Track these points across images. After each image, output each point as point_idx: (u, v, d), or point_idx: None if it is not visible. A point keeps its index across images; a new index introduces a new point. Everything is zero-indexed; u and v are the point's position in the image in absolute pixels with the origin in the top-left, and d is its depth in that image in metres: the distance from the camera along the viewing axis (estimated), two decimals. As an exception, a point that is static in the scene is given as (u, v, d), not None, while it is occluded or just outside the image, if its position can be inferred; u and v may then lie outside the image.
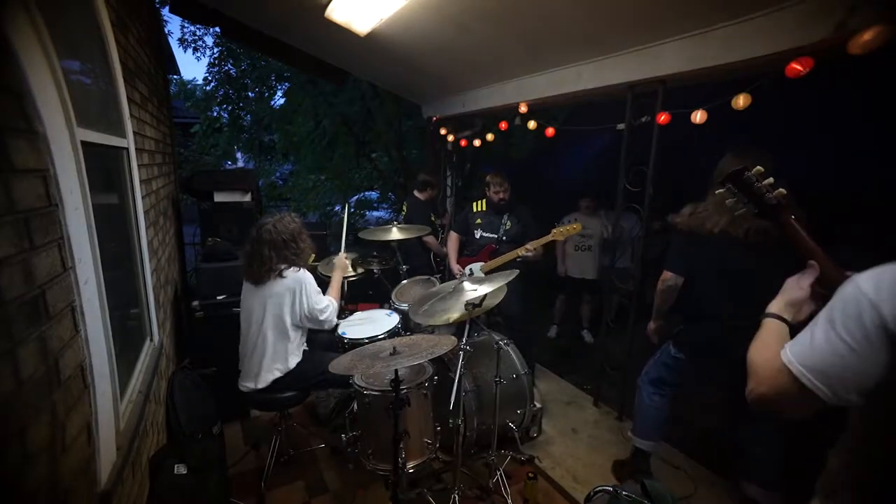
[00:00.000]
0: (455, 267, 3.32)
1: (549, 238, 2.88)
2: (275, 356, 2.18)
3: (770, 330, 0.95)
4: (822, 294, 0.94)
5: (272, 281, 2.14)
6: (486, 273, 3.10)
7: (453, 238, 3.42)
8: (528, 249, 2.89)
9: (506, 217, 3.15)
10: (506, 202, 3.12)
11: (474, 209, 3.30)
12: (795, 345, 0.79)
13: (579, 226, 2.85)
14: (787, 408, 0.80)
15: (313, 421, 2.90)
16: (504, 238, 3.13)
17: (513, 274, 2.05)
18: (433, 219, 4.06)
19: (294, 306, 2.16)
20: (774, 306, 0.99)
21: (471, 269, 3.21)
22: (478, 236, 3.24)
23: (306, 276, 2.18)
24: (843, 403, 0.73)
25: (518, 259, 2.94)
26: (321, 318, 2.20)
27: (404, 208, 4.09)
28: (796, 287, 0.97)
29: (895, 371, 0.68)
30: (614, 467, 2.50)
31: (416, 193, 4.03)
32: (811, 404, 0.75)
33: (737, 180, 1.05)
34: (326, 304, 2.24)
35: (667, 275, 2.11)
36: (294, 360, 2.23)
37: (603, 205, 4.14)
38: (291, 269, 2.16)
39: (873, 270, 0.71)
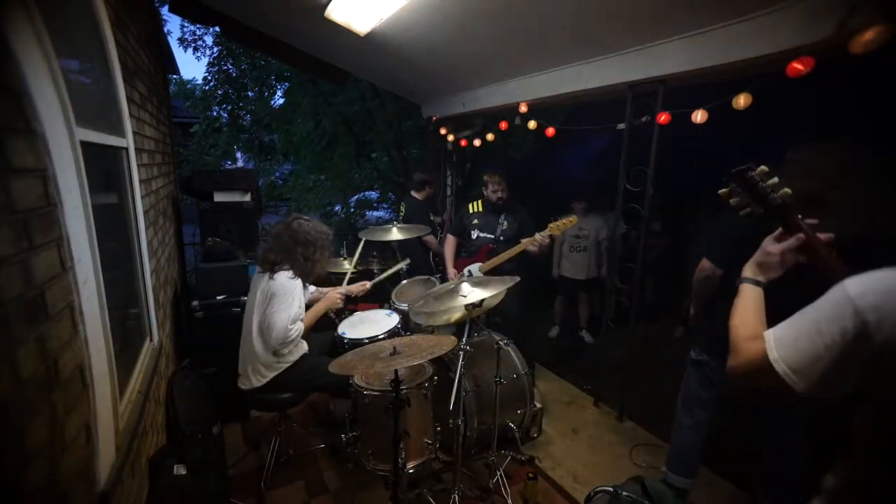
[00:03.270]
0: (451, 272, 3.31)
1: (546, 233, 2.85)
2: (265, 355, 2.16)
3: (747, 299, 1.01)
4: (794, 261, 1.00)
5: (264, 276, 2.13)
6: (485, 273, 3.09)
7: (450, 241, 3.41)
8: (539, 242, 2.80)
9: (503, 217, 3.14)
10: (503, 201, 3.11)
11: (470, 210, 3.29)
12: (781, 344, 0.80)
13: (575, 219, 2.80)
14: (763, 387, 0.85)
15: (316, 421, 2.90)
16: (501, 238, 3.12)
17: (512, 280, 2.04)
18: (432, 218, 4.06)
19: (266, 312, 2.09)
20: (748, 270, 1.04)
21: (469, 271, 3.20)
22: (475, 237, 3.22)
23: (287, 286, 2.09)
24: (819, 396, 0.77)
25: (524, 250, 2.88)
26: (274, 331, 2.04)
27: (402, 209, 4.08)
28: (769, 250, 1.02)
29: (875, 379, 0.70)
30: None
31: (413, 193, 4.02)
32: (787, 390, 0.80)
33: (741, 180, 1.03)
34: (292, 329, 2.09)
35: (704, 264, 1.89)
36: (288, 361, 2.21)
37: (596, 206, 4.19)
38: (286, 272, 2.13)
39: (863, 276, 0.72)
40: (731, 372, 0.92)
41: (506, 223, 3.12)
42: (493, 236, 3.15)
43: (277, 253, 2.14)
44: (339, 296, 2.43)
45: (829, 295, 0.75)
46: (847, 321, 0.70)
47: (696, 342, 2.05)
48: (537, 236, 2.80)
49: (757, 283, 1.02)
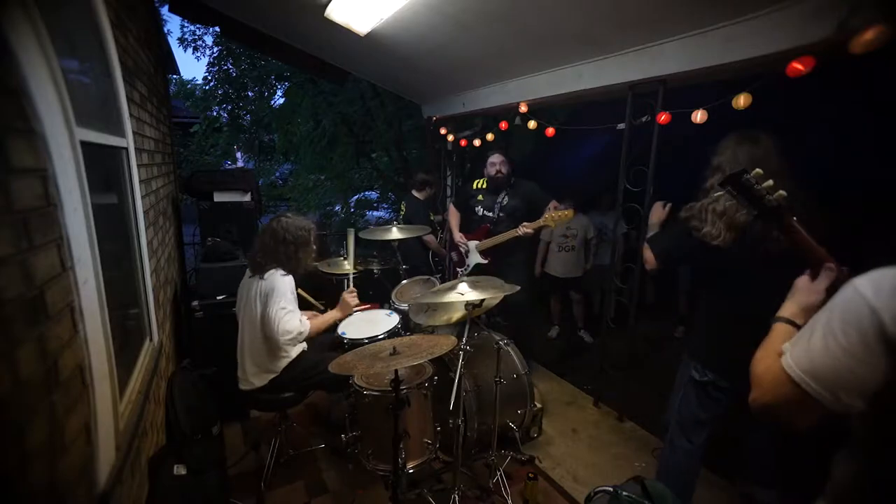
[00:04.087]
0: (458, 236, 3.37)
1: (541, 222, 2.87)
2: (264, 357, 2.16)
3: (779, 337, 0.91)
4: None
5: (256, 279, 2.13)
6: (482, 252, 3.18)
7: (453, 212, 3.49)
8: (524, 231, 2.88)
9: (502, 195, 3.17)
10: (503, 178, 3.13)
11: (474, 186, 3.34)
12: (795, 349, 0.78)
13: (571, 213, 2.84)
14: (792, 416, 0.78)
15: (316, 421, 2.90)
16: (501, 215, 3.14)
17: (513, 288, 2.03)
18: (432, 217, 4.06)
19: (266, 311, 2.09)
20: (787, 310, 0.95)
21: (467, 247, 3.28)
22: (479, 214, 3.27)
23: (281, 284, 2.09)
24: (847, 410, 0.72)
25: (517, 236, 2.94)
26: (277, 329, 2.04)
27: (402, 208, 4.09)
28: (811, 290, 0.94)
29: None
30: None
31: (414, 193, 4.03)
32: (815, 411, 0.74)
33: (736, 182, 1.04)
34: (295, 328, 2.10)
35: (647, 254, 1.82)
36: (285, 362, 2.20)
37: (582, 206, 4.24)
38: (276, 271, 2.12)
39: (872, 273, 0.70)
40: (752, 404, 0.85)
41: (506, 200, 3.15)
42: (491, 215, 3.20)
43: (263, 255, 2.14)
44: (353, 296, 2.39)
45: (840, 297, 0.73)
46: (864, 321, 0.67)
47: (696, 358, 1.82)
48: (520, 230, 2.89)
49: (795, 325, 0.93)
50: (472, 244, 3.24)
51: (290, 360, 2.21)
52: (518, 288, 2.03)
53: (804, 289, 0.96)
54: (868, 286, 0.69)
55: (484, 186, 3.28)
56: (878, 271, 0.70)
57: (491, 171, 3.15)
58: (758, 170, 1.02)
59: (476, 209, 3.28)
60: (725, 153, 1.68)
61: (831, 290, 0.91)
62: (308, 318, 2.26)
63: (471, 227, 3.36)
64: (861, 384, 0.69)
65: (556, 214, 2.81)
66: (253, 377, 2.18)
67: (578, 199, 4.20)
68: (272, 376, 2.18)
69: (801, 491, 0.91)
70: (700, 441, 1.85)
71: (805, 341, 0.76)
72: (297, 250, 2.16)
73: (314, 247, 2.25)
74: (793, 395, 0.75)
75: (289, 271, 2.17)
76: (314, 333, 2.25)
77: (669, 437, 1.94)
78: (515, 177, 3.19)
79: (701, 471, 1.93)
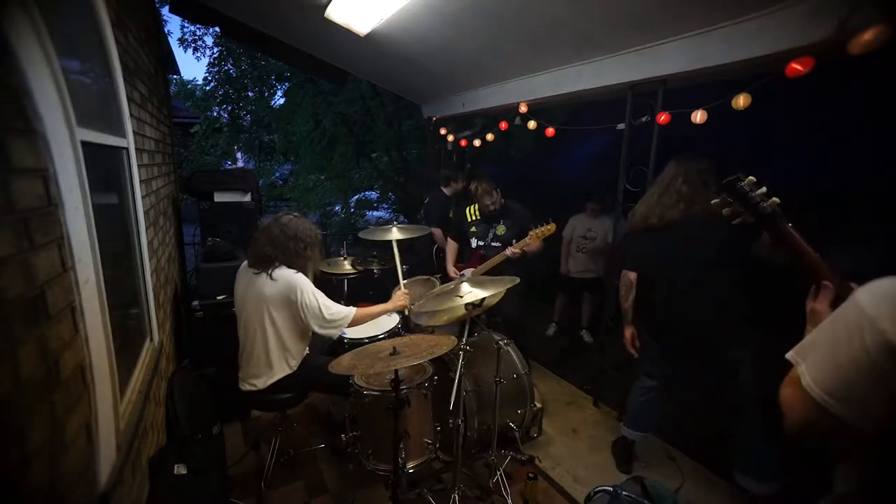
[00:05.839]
0: (451, 271, 3.35)
1: (527, 241, 2.86)
2: (273, 359, 2.14)
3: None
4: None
5: (264, 279, 2.06)
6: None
7: (451, 246, 3.46)
8: (513, 252, 2.89)
9: (499, 222, 3.15)
10: (497, 210, 3.11)
11: (468, 218, 3.30)
12: (812, 366, 0.74)
13: (553, 227, 2.85)
14: (826, 438, 0.74)
15: (316, 421, 2.90)
16: (493, 243, 3.15)
17: (512, 281, 2.04)
18: (451, 216, 4.06)
19: (297, 312, 2.07)
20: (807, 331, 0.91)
21: (464, 275, 3.24)
22: (474, 245, 3.26)
23: (300, 280, 2.08)
24: (877, 429, 0.67)
25: (509, 256, 2.93)
26: (327, 315, 2.09)
27: (426, 201, 4.14)
28: (816, 312, 0.91)
29: None
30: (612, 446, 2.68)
31: (442, 188, 4.07)
32: (844, 431, 0.69)
33: (731, 190, 1.06)
34: (341, 312, 2.13)
35: (624, 273, 2.34)
36: (294, 364, 2.19)
37: (610, 208, 4.19)
38: (285, 270, 2.08)
39: (870, 285, 0.69)
40: (790, 434, 0.79)
41: (502, 227, 3.13)
42: (483, 243, 3.19)
43: (272, 247, 2.07)
44: (403, 293, 2.41)
45: (841, 311, 0.72)
46: (866, 333, 0.65)
47: (642, 325, 2.36)
48: (508, 251, 2.90)
49: None
50: (468, 272, 3.22)
51: (297, 362, 2.20)
52: (518, 280, 2.04)
53: (812, 310, 0.92)
54: (866, 296, 0.68)
55: (477, 217, 3.26)
56: (877, 281, 0.68)
57: (491, 208, 3.11)
58: (751, 177, 1.04)
59: (471, 241, 3.28)
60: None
61: (834, 305, 0.89)
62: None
63: (465, 255, 3.38)
64: (881, 403, 0.66)
65: (539, 231, 2.83)
66: (259, 378, 2.15)
67: (604, 200, 4.16)
68: (281, 375, 2.16)
69: (800, 484, 0.90)
70: (649, 385, 2.38)
71: (816, 358, 0.74)
72: (307, 248, 2.12)
73: (321, 251, 2.22)
74: (818, 417, 0.71)
75: (297, 270, 2.12)
76: (362, 319, 2.22)
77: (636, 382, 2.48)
78: (505, 199, 3.16)
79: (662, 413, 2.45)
